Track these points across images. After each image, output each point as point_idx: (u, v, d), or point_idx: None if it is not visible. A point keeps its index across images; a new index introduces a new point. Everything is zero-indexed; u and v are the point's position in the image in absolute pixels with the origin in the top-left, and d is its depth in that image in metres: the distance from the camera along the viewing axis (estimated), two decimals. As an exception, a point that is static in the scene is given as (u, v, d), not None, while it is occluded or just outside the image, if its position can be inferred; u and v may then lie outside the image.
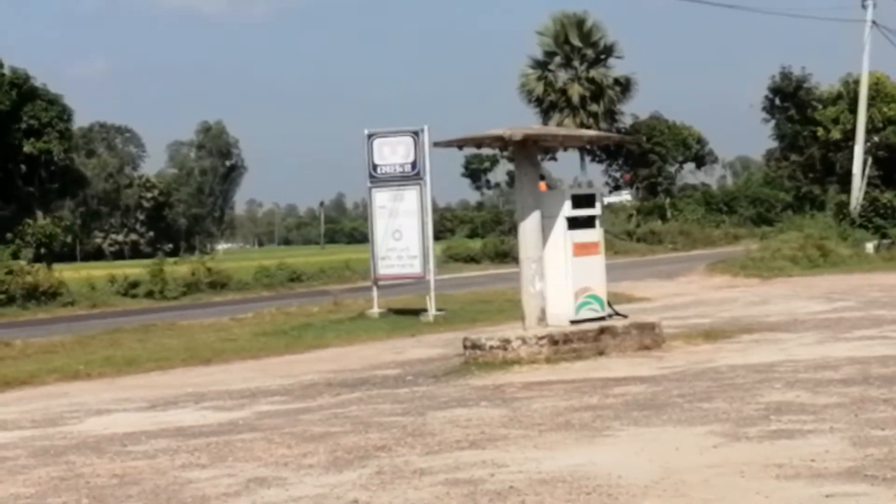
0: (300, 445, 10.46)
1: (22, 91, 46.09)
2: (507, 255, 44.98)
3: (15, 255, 37.80)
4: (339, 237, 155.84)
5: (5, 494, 9.25)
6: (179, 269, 39.47)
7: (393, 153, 24.52)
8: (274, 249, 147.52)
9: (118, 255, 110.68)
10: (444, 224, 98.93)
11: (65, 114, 47.70)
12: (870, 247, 37.40)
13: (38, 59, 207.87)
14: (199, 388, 15.53)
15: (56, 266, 43.66)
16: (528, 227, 16.15)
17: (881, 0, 47.88)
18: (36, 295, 34.28)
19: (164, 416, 13.16)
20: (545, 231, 16.21)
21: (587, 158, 69.45)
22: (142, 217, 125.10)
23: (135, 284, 36.80)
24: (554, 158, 72.06)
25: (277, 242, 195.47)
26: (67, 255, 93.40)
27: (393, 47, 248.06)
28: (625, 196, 79.17)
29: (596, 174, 75.85)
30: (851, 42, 51.97)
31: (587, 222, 16.63)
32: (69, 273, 40.70)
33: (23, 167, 44.32)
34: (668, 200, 71.56)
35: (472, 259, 51.23)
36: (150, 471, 9.79)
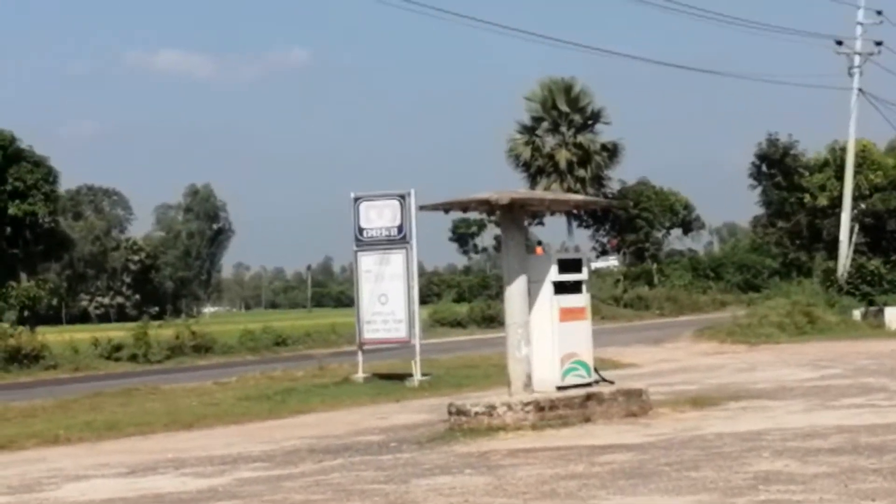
0: (280, 517, 10.29)
1: (7, 153, 46.06)
2: (494, 320, 44.82)
3: (-2, 319, 37.62)
4: (326, 301, 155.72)
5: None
6: (164, 332, 39.19)
7: (379, 217, 24.41)
8: (261, 313, 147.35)
9: (104, 318, 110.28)
10: (431, 288, 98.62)
11: (50, 176, 47.61)
12: (857, 314, 37.35)
13: (25, 121, 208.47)
14: (179, 454, 15.29)
15: (40, 329, 43.37)
16: (515, 292, 16.03)
17: (867, 68, 48.27)
18: (18, 358, 33.96)
19: (143, 482, 12.93)
20: (531, 296, 16.10)
21: (574, 223, 69.57)
22: (128, 280, 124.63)
23: (118, 348, 36.50)
24: (541, 223, 72.26)
25: (264, 306, 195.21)
26: (53, 318, 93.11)
27: (381, 111, 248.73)
28: (612, 261, 79.28)
29: (583, 239, 75.88)
30: (838, 109, 52.14)
31: (574, 287, 16.53)
32: (53, 336, 40.35)
33: (7, 229, 44.13)
34: (655, 266, 71.57)
35: (458, 323, 51.04)
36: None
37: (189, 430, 18.54)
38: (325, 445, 15.25)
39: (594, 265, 75.15)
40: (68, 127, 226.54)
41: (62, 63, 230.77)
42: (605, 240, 75.93)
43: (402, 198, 24.28)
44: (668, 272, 70.26)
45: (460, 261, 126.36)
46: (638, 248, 74.24)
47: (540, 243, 56.43)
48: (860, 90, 48.07)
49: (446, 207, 17.28)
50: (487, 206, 16.52)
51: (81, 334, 41.89)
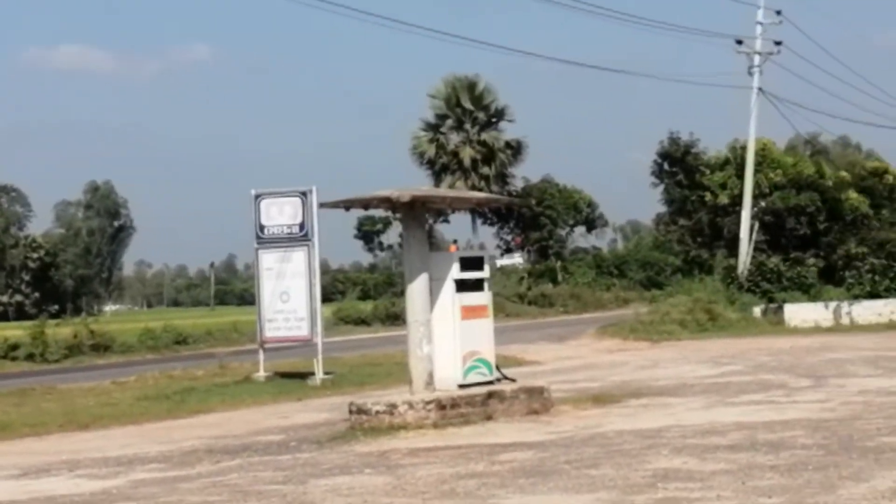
0: (174, 518, 10.12)
1: None
2: (399, 318, 44.71)
3: None
4: (229, 298, 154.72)
5: None
6: (62, 330, 38.57)
7: (280, 214, 24.25)
8: (163, 311, 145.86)
9: (2, 317, 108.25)
10: (336, 286, 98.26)
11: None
12: (757, 311, 37.81)
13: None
14: (74, 455, 15.01)
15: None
16: (416, 290, 15.98)
17: (767, 67, 48.92)
18: (-89, 358, 33.38)
19: (35, 484, 12.67)
20: (433, 294, 16.06)
21: (479, 221, 69.73)
22: (27, 278, 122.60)
23: (15, 347, 35.86)
24: (446, 221, 72.32)
25: (167, 304, 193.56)
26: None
27: (285, 108, 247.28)
28: (516, 259, 79.54)
29: (488, 237, 76.16)
30: (738, 108, 52.77)
31: (476, 285, 16.51)
32: (-53, 335, 39.67)
33: None
34: (559, 263, 71.96)
35: (362, 321, 50.90)
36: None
37: (85, 430, 18.25)
38: (223, 445, 15.08)
39: (499, 262, 75.35)
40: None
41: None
42: (509, 237, 76.12)
43: (304, 195, 24.13)
44: (572, 270, 70.65)
45: (365, 258, 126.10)
46: (542, 245, 74.54)
47: (455, 241, 56.54)
48: (760, 89, 48.73)
49: (347, 205, 17.17)
50: (389, 203, 16.42)
51: (-22, 333, 41.16)
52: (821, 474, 10.36)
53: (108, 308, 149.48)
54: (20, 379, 28.78)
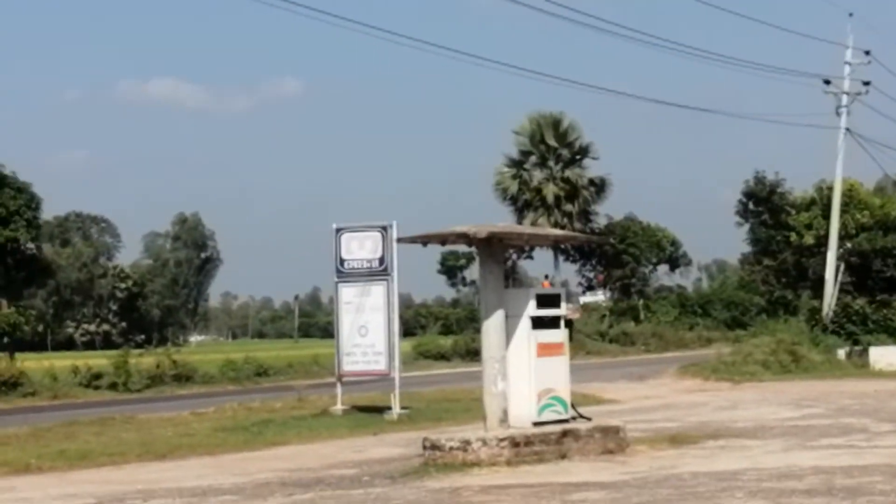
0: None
1: (-7, 177, 45.91)
2: (478, 354, 44.54)
3: (-21, 345, 37.37)
4: (313, 331, 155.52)
5: None
6: (144, 360, 38.98)
7: (360, 248, 24.31)
8: (247, 343, 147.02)
9: (90, 346, 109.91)
10: (419, 320, 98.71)
11: (33, 202, 47.29)
12: (841, 353, 37.28)
13: (16, 149, 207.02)
14: (149, 485, 15.10)
15: (23, 355, 43.18)
16: (492, 326, 15.93)
17: (855, 107, 48.35)
18: (-2, 385, 33.80)
19: (109, 514, 12.78)
20: (509, 330, 16.00)
21: (561, 258, 69.45)
22: (115, 307, 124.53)
23: (98, 376, 36.25)
24: (530, 257, 72.17)
25: (251, 335, 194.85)
26: (38, 345, 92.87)
27: (373, 143, 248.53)
28: (599, 296, 79.22)
29: (570, 274, 75.86)
30: (825, 149, 52.23)
31: (552, 322, 16.42)
32: (33, 363, 40.20)
33: (-9, 256, 44.01)
34: (641, 302, 71.56)
35: (442, 356, 50.86)
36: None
37: (162, 460, 18.34)
38: (297, 478, 15.09)
39: (581, 300, 75.09)
40: (60, 155, 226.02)
41: (54, 91, 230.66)
42: (591, 275, 75.79)
43: (384, 229, 24.18)
44: (654, 308, 70.24)
45: (448, 293, 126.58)
46: (624, 283, 74.16)
47: (547, 277, 56.43)
48: (847, 129, 48.12)
49: (424, 240, 17.18)
50: (466, 239, 16.39)
51: (63, 361, 41.69)
52: (899, 522, 10.16)
53: (194, 339, 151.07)
54: (102, 408, 29.07)
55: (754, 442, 17.27)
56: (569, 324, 50.16)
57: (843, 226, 51.45)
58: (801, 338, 39.53)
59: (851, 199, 55.70)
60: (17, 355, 41.95)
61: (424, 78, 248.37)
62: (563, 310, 16.79)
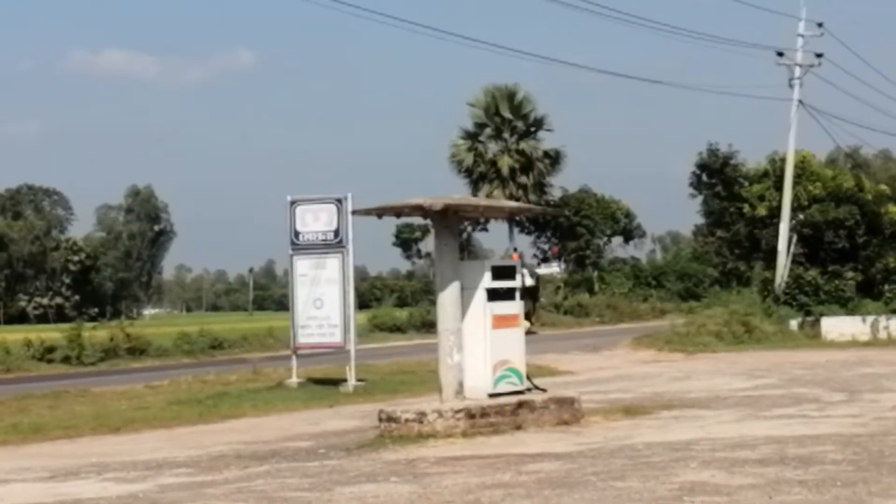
0: (198, 524, 10.11)
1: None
2: (434, 326, 44.59)
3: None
4: (268, 304, 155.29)
5: None
6: (98, 334, 38.64)
7: (315, 220, 24.21)
8: (201, 315, 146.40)
9: (43, 319, 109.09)
10: (374, 293, 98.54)
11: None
12: (794, 324, 37.57)
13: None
14: (104, 458, 15.05)
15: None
16: (447, 299, 15.95)
17: (808, 80, 48.62)
18: (-52, 359, 33.53)
19: (63, 487, 12.70)
20: (465, 302, 16.02)
21: (516, 230, 69.48)
22: (68, 280, 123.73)
23: (51, 349, 35.94)
24: (485, 229, 72.24)
25: (206, 308, 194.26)
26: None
27: (325, 116, 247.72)
28: (554, 268, 79.27)
29: (525, 246, 75.72)
30: (778, 120, 52.51)
31: (507, 294, 16.45)
32: (-13, 335, 39.88)
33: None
34: (596, 273, 71.70)
35: (397, 329, 50.75)
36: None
37: (116, 433, 18.27)
38: (252, 451, 15.08)
39: (539, 271, 75.20)
40: (11, 127, 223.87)
41: (5, 62, 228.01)
42: (546, 247, 75.88)
43: (339, 202, 24.08)
44: (608, 280, 70.35)
45: (404, 266, 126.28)
46: (579, 255, 74.24)
47: (516, 250, 56.61)
48: (800, 102, 48.42)
49: (379, 212, 17.14)
50: (421, 211, 16.38)
51: (15, 335, 41.37)
52: (849, 490, 10.26)
53: (147, 312, 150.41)
54: (55, 381, 28.87)
55: (708, 412, 17.39)
56: (534, 293, 50.08)
57: (796, 197, 51.66)
58: (753, 309, 39.83)
59: (804, 171, 55.84)
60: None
61: (381, 50, 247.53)
62: (518, 282, 16.84)
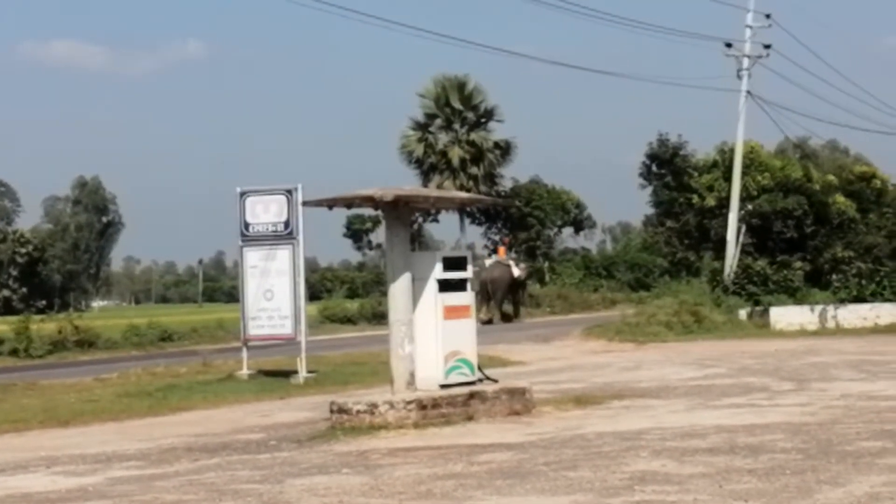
0: (148, 517, 10.06)
1: None
2: (385, 317, 44.34)
3: None
4: (218, 296, 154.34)
5: None
6: (46, 326, 38.28)
7: (265, 211, 24.12)
8: (150, 307, 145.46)
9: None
10: (325, 284, 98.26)
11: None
12: (743, 313, 37.76)
13: None
14: (53, 452, 14.93)
15: (-80, 322, 42.27)
16: (398, 290, 15.93)
17: (756, 71, 48.93)
18: None
19: (12, 481, 12.58)
20: (416, 294, 16.01)
21: (467, 221, 69.51)
22: (15, 273, 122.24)
23: (-1, 342, 35.74)
24: (436, 220, 72.24)
25: (155, 300, 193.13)
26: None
27: (275, 107, 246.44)
28: (502, 256, 79.31)
29: (476, 236, 75.77)
30: (727, 111, 52.78)
31: (459, 285, 16.46)
32: (-68, 329, 39.46)
33: None
34: (546, 264, 71.82)
35: (348, 320, 50.57)
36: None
37: (65, 427, 18.11)
38: (203, 444, 15.01)
39: (487, 262, 75.24)
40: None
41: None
42: (497, 237, 75.88)
43: (289, 193, 23.98)
44: (559, 270, 70.41)
45: (354, 257, 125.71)
46: (530, 245, 74.28)
47: (503, 243, 56.65)
48: (749, 93, 48.71)
49: (330, 203, 17.08)
50: (372, 202, 16.32)
51: (-37, 328, 40.96)
52: (798, 478, 10.34)
53: (96, 304, 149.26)
54: (3, 374, 28.55)
55: (658, 402, 17.47)
56: (522, 284, 49.97)
57: (745, 188, 52.14)
58: (703, 299, 40.01)
59: (752, 162, 56.40)
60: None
61: (331, 40, 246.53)
62: (469, 272, 16.86)
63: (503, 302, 46.86)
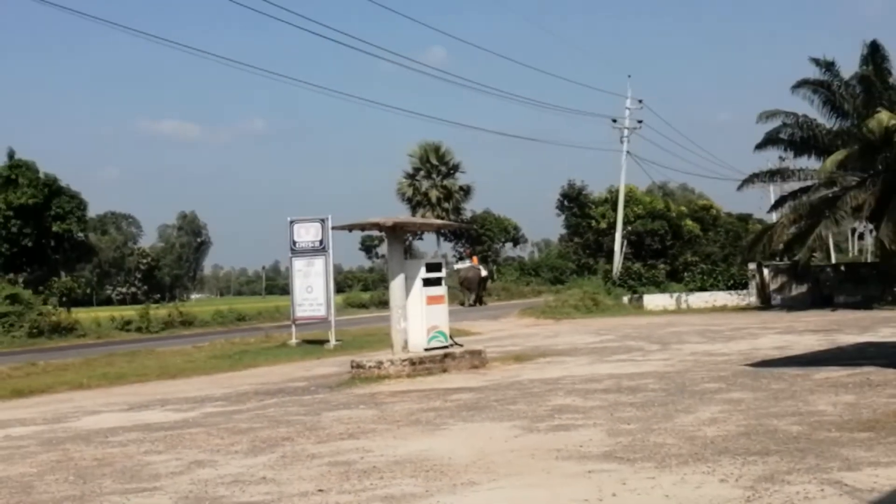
0: (230, 437, 9.99)
1: (52, 189, 44.40)
2: (387, 303, 44.22)
3: (45, 303, 36.23)
4: (275, 290, 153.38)
5: (15, 473, 8.63)
6: (160, 311, 38.09)
7: (307, 233, 24.04)
8: (229, 298, 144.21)
9: (122, 302, 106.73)
10: (346, 282, 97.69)
11: (81, 205, 45.59)
12: (626, 299, 37.85)
13: (70, 165, 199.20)
14: (165, 396, 14.86)
15: (75, 310, 41.87)
16: (396, 285, 15.93)
17: (633, 137, 49.34)
18: (58, 330, 32.76)
19: (137, 415, 12.53)
20: (408, 288, 16.00)
21: (442, 239, 69.43)
22: (138, 276, 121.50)
23: (128, 322, 35.35)
24: (421, 238, 71.97)
25: (233, 294, 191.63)
26: (87, 302, 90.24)
27: (310, 160, 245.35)
28: (467, 264, 79.04)
29: (447, 249, 75.50)
30: (613, 164, 53.00)
31: (436, 282, 16.46)
32: (84, 314, 39.13)
33: (52, 241, 42.71)
34: (495, 267, 71.64)
35: (363, 305, 50.35)
36: (121, 456, 9.22)
37: (173, 379, 18.04)
38: (265, 389, 14.96)
39: (456, 266, 75.01)
40: (101, 171, 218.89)
41: (93, 125, 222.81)
42: (462, 250, 75.77)
43: (322, 221, 23.95)
44: (503, 271, 70.25)
45: (367, 263, 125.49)
46: (484, 255, 74.09)
47: (473, 254, 56.73)
48: (628, 152, 48.99)
49: (350, 228, 17.08)
50: (378, 227, 16.35)
51: (104, 313, 40.68)
52: (663, 409, 10.38)
53: (193, 296, 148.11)
54: (131, 344, 28.40)
55: (569, 358, 17.47)
56: (486, 280, 49.54)
57: (626, 215, 52.22)
58: (598, 289, 40.07)
59: (630, 198, 56.42)
60: (73, 310, 40.67)
61: (349, 118, 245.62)
62: (443, 273, 16.82)
63: (476, 292, 46.76)
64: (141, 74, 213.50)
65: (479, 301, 46.41)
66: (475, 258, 52.44)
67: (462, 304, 43.50)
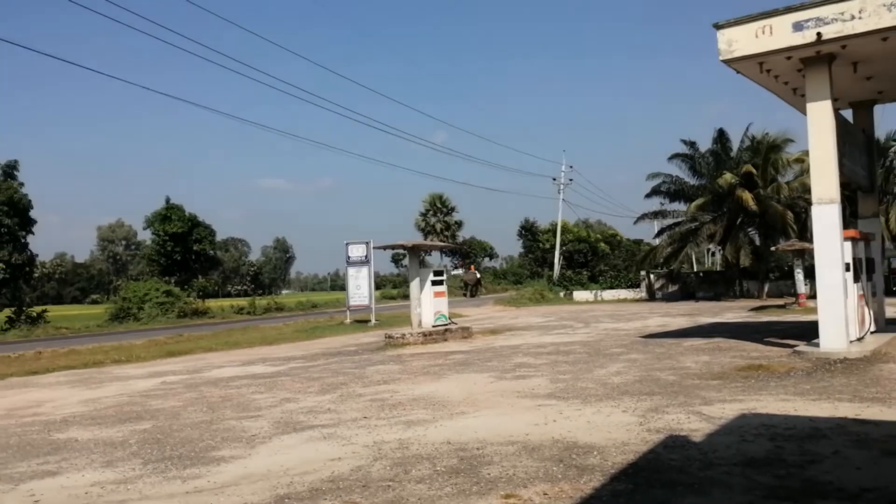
0: (307, 383, 9.95)
1: (193, 222, 44.43)
2: (409, 297, 44.00)
3: (188, 296, 36.11)
4: (337, 287, 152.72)
5: (168, 405, 8.60)
6: (262, 301, 38.07)
7: (356, 251, 23.97)
8: (308, 293, 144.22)
9: (238, 296, 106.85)
10: (382, 283, 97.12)
11: (212, 233, 45.43)
12: (562, 294, 37.73)
13: (200, 206, 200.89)
14: (265, 356, 14.78)
15: (207, 301, 41.77)
16: (414, 285, 15.86)
17: (567, 190, 49.32)
18: (196, 313, 32.72)
19: (248, 369, 12.46)
20: (422, 286, 15.95)
21: (443, 255, 69.36)
22: (248, 279, 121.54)
23: (241, 309, 35.30)
24: (430, 255, 71.57)
25: (309, 290, 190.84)
26: (214, 295, 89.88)
27: (360, 205, 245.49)
28: (460, 271, 78.92)
29: (448, 262, 75.34)
30: (554, 207, 52.71)
31: (440, 283, 16.41)
32: (213, 303, 39.11)
33: (192, 256, 42.64)
34: (479, 274, 71.40)
35: (392, 298, 50.32)
36: (237, 395, 9.19)
37: (270, 345, 17.91)
38: (329, 352, 14.88)
39: (454, 273, 74.98)
40: (226, 210, 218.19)
41: (217, 177, 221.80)
42: (458, 262, 75.82)
43: (367, 243, 23.89)
44: (484, 276, 70.09)
45: (395, 270, 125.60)
46: (478, 265, 73.99)
47: (472, 265, 56.65)
48: (564, 199, 48.95)
49: (385, 248, 17.10)
50: (403, 247, 16.32)
51: (226, 302, 40.62)
52: (586, 365, 10.33)
53: (283, 292, 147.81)
54: (243, 323, 28.31)
55: (526, 332, 17.37)
56: (479, 281, 49.47)
57: (562, 240, 52.14)
58: (544, 288, 39.90)
59: (565, 229, 56.39)
60: (205, 300, 40.57)
61: (374, 177, 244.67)
62: (444, 277, 16.73)
63: (473, 290, 46.60)
64: (259, 149, 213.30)
65: (473, 294, 46.34)
66: (472, 266, 52.38)
67: (464, 295, 43.62)
